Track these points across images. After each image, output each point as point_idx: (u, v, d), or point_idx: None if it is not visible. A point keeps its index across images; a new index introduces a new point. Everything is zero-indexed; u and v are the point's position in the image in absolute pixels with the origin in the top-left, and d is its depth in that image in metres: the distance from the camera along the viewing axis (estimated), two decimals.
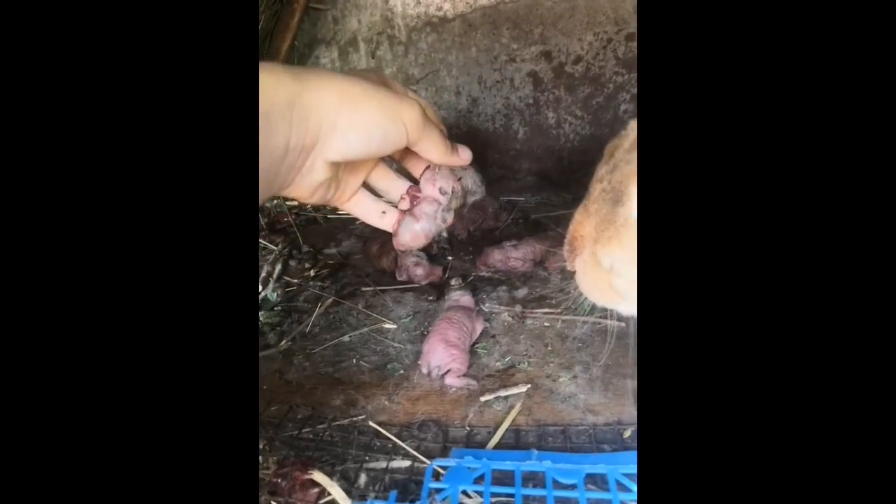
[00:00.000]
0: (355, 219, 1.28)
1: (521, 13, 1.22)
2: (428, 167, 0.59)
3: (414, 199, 0.59)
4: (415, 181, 0.61)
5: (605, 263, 0.57)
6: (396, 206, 0.60)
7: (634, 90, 1.26)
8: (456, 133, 1.36)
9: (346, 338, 0.86)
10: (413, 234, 0.60)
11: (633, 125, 0.63)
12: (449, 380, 0.73)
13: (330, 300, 0.96)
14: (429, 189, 0.60)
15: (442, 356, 0.74)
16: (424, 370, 0.75)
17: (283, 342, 0.86)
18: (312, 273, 1.08)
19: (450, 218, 0.64)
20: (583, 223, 0.60)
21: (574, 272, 0.62)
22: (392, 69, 1.30)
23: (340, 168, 0.54)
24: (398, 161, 0.61)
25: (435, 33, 1.26)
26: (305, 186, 0.50)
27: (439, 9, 1.23)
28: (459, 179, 0.64)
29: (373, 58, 1.30)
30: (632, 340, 0.72)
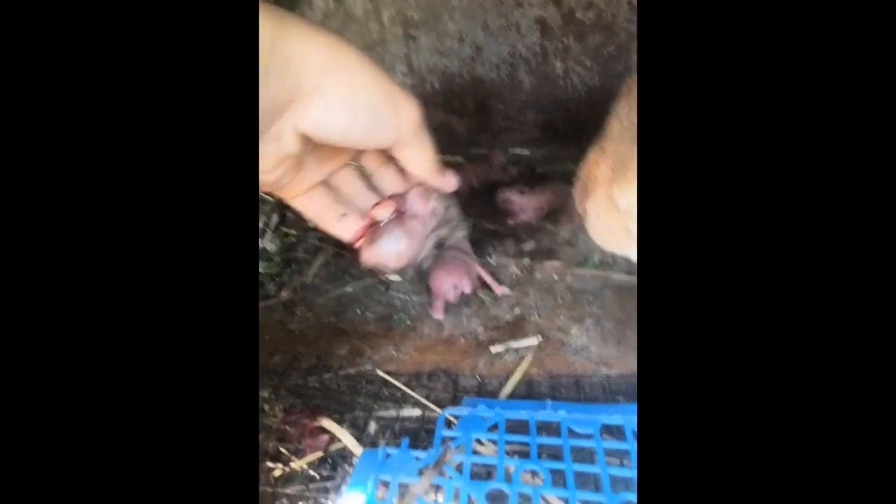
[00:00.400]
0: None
1: None
2: (418, 184, 0.53)
3: (399, 213, 0.52)
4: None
5: (622, 205, 0.54)
6: (368, 216, 0.52)
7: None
8: (459, 82, 1.30)
9: (348, 288, 0.83)
10: (398, 250, 0.52)
11: None
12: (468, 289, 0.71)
13: (331, 251, 0.93)
14: (419, 206, 0.54)
15: (451, 277, 0.71)
16: (439, 302, 0.72)
17: (284, 292, 0.83)
18: (311, 224, 1.04)
19: (427, 248, 0.58)
20: (598, 164, 0.57)
21: (584, 215, 0.60)
22: (390, 12, 1.24)
23: (308, 150, 0.46)
24: (368, 176, 0.54)
25: None
26: (266, 157, 0.42)
27: None
28: (447, 208, 0.59)
29: (370, 1, 1.23)
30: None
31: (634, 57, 1.23)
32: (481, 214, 1.05)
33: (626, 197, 0.54)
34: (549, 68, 1.26)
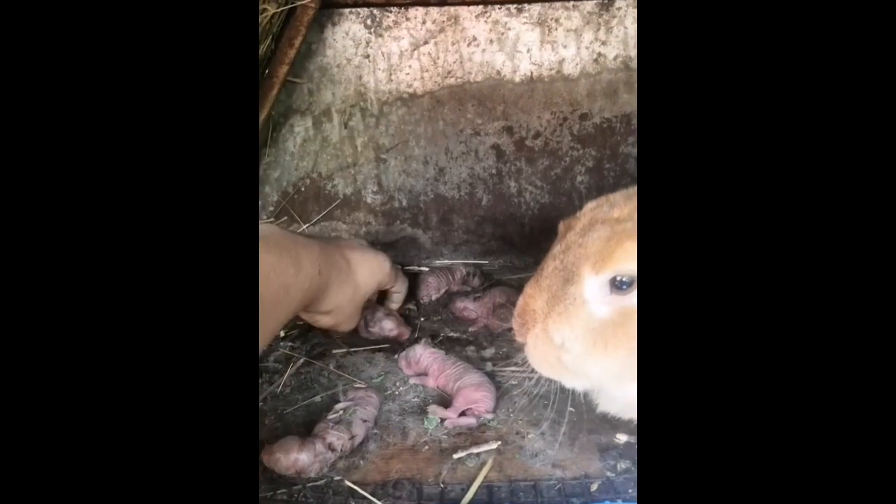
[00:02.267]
0: None
1: (484, 92, 1.33)
2: None
3: None
4: None
5: (557, 339, 0.62)
6: None
7: (589, 163, 1.37)
8: (423, 199, 1.42)
9: (317, 398, 0.87)
10: None
11: (587, 206, 0.70)
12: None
13: (301, 360, 0.97)
14: None
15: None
16: (483, 412, 0.78)
17: None
18: (282, 333, 1.08)
19: None
20: (534, 297, 0.65)
21: (524, 344, 0.67)
22: (363, 138, 1.38)
23: None
24: None
25: (405, 107, 1.35)
26: None
27: (409, 86, 1.33)
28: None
29: (345, 127, 1.38)
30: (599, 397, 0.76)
31: (578, 178, 1.38)
32: (444, 322, 1.12)
33: (559, 333, 0.62)
34: (504, 188, 1.40)
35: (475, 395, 0.77)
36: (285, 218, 1.44)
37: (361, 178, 1.42)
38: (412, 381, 0.88)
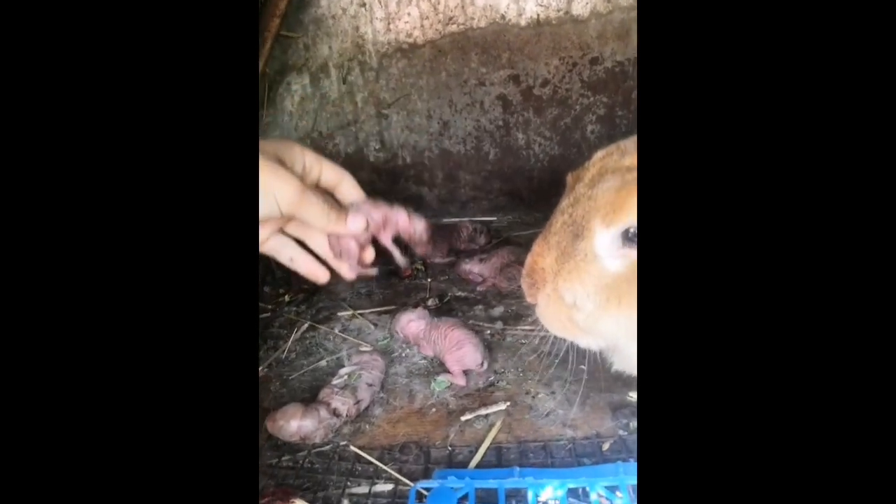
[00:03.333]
0: None
1: (488, 39, 1.25)
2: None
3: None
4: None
5: (568, 298, 0.58)
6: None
7: (600, 111, 1.30)
8: (428, 155, 1.38)
9: (322, 363, 0.85)
10: None
11: (597, 156, 0.65)
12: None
13: (306, 325, 0.95)
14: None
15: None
16: (474, 366, 0.77)
17: (260, 369, 0.85)
18: (287, 298, 1.07)
19: None
20: (543, 255, 0.61)
21: (535, 304, 0.63)
22: (363, 94, 1.32)
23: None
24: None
25: (405, 59, 1.28)
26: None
27: (409, 35, 1.26)
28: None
29: (344, 83, 1.32)
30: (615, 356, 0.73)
31: (589, 127, 1.32)
32: (452, 282, 1.09)
33: (571, 291, 0.58)
34: (511, 140, 1.34)
35: (458, 354, 0.75)
36: None
37: (363, 135, 1.37)
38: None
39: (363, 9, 1.25)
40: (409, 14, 1.25)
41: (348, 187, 0.59)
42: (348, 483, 0.61)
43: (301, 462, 0.64)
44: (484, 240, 1.23)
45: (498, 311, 0.97)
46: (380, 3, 1.24)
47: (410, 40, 1.27)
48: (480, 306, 0.98)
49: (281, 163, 0.55)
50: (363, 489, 0.60)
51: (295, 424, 0.65)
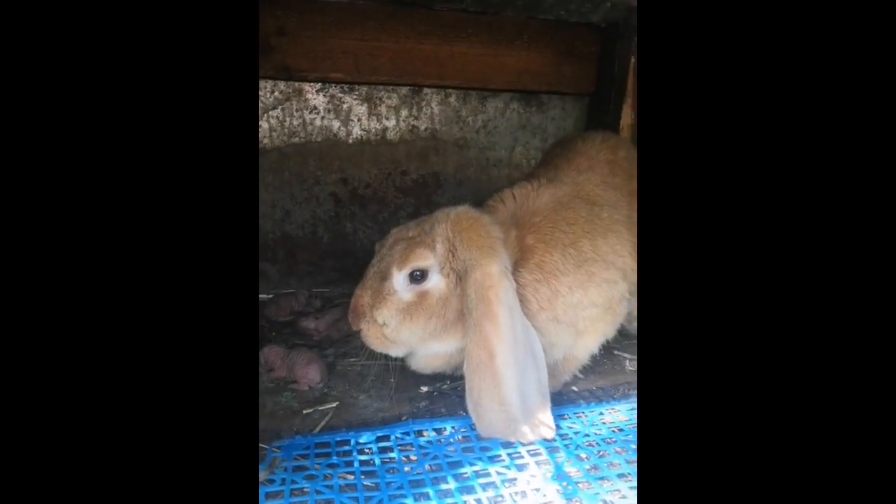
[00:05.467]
0: None
1: (324, 150, 1.63)
2: None
3: None
4: None
5: (380, 320, 0.93)
6: None
7: (409, 209, 1.73)
8: (272, 237, 1.66)
9: None
10: None
11: (392, 231, 1.03)
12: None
13: None
14: None
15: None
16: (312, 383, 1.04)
17: None
18: None
19: None
20: (362, 296, 0.96)
21: (359, 331, 0.96)
22: None
23: None
24: None
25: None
26: None
27: (260, 142, 1.59)
28: None
29: None
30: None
31: (401, 221, 1.73)
32: (293, 335, 1.36)
33: (381, 315, 0.92)
34: (341, 228, 1.70)
35: (307, 369, 1.04)
36: None
37: None
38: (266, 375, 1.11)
39: None
40: (260, 126, 1.58)
41: None
42: None
43: None
44: (319, 304, 1.53)
45: (330, 351, 1.26)
46: None
47: (261, 146, 1.59)
48: (317, 349, 1.26)
49: None
50: None
51: None
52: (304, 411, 0.97)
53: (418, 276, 0.92)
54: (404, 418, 0.95)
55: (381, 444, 0.84)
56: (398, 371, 1.08)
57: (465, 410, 0.97)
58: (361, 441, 0.84)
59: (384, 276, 0.94)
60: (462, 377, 1.06)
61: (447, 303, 0.92)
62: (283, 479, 0.73)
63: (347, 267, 1.73)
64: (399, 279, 0.93)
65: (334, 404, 1.00)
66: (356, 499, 0.70)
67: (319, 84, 1.59)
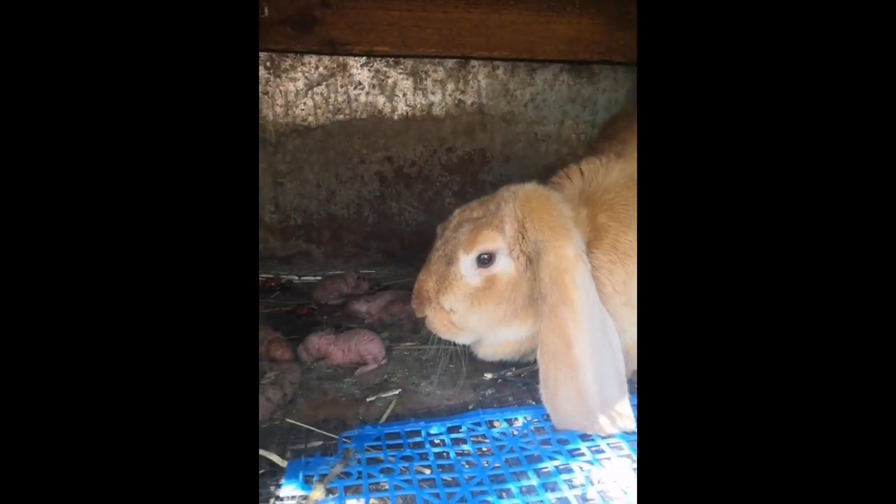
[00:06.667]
0: None
1: (369, 127, 1.58)
2: None
3: None
4: None
5: (447, 306, 0.88)
6: None
7: (455, 188, 1.68)
8: (317, 218, 1.63)
9: None
10: None
11: (455, 212, 0.98)
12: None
13: None
14: None
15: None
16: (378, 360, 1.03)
17: None
18: None
19: None
20: (426, 280, 0.91)
21: (423, 317, 0.92)
22: (263, 164, 1.55)
23: None
24: None
25: (300, 138, 1.55)
26: None
27: (304, 120, 1.54)
28: None
29: None
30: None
31: (447, 199, 1.68)
32: (344, 318, 1.33)
33: (448, 301, 0.88)
34: (386, 208, 1.66)
35: (369, 346, 1.01)
36: None
37: (260, 199, 1.58)
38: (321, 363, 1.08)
39: (266, 96, 1.51)
40: (304, 103, 1.54)
41: None
42: (288, 442, 0.81)
43: None
44: (366, 286, 1.49)
45: (384, 335, 1.22)
46: (280, 92, 1.51)
47: (305, 123, 1.55)
48: (369, 330, 1.23)
49: None
50: (300, 445, 0.80)
51: None
52: (368, 399, 0.94)
53: (486, 260, 0.88)
54: (471, 407, 0.92)
55: (454, 436, 0.81)
56: (460, 358, 1.04)
57: (534, 399, 0.93)
58: (432, 432, 0.81)
59: (450, 260, 0.90)
60: (527, 363, 1.03)
61: (517, 287, 0.88)
62: (360, 473, 0.70)
63: (392, 248, 1.69)
64: (466, 263, 0.88)
65: (397, 392, 0.97)
66: (437, 495, 0.67)
67: (364, 58, 1.53)
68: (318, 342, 1.07)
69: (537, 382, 0.97)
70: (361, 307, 1.33)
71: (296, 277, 1.58)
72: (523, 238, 0.87)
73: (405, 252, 1.70)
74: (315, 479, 0.69)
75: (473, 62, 1.59)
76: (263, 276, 1.54)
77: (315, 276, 1.58)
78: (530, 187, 0.92)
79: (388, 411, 0.90)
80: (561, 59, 1.58)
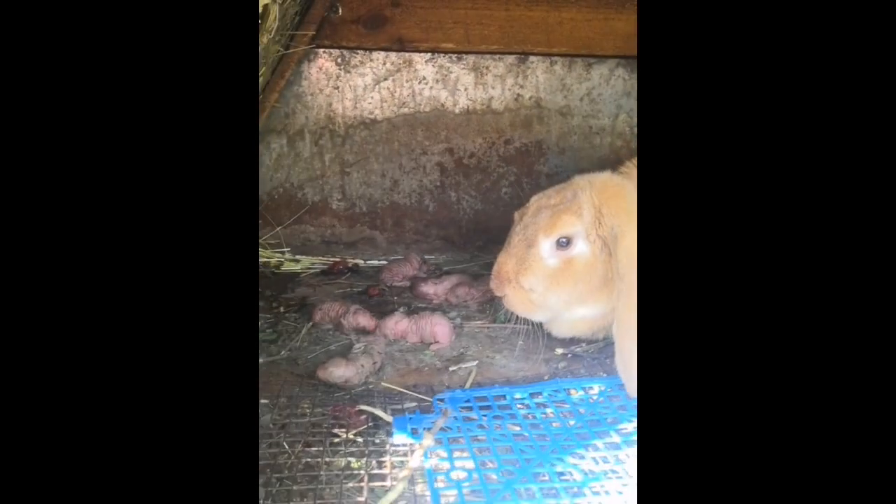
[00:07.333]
0: (300, 272, 1.57)
1: (431, 120, 1.67)
2: None
3: None
4: None
5: (526, 286, 0.96)
6: None
7: (511, 178, 1.75)
8: (381, 206, 1.72)
9: (332, 347, 1.13)
10: None
11: (533, 199, 1.05)
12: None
13: (310, 324, 1.22)
14: None
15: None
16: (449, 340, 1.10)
17: (283, 352, 1.10)
18: (282, 309, 1.32)
19: None
20: (506, 262, 0.99)
21: (501, 297, 1.00)
22: (331, 154, 1.65)
23: None
24: None
25: (367, 130, 1.65)
26: None
27: (371, 113, 1.64)
28: None
29: (316, 146, 1.64)
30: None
31: (504, 189, 1.76)
32: (412, 299, 1.42)
33: (527, 281, 0.96)
34: (446, 197, 1.74)
35: (435, 330, 1.10)
36: (260, 222, 1.66)
37: (328, 188, 1.68)
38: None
39: (336, 91, 1.61)
40: (372, 97, 1.63)
41: None
42: (385, 403, 0.90)
43: (349, 393, 0.92)
44: (428, 270, 1.58)
45: (453, 314, 1.31)
46: (350, 87, 1.61)
47: (372, 116, 1.64)
48: (439, 312, 1.32)
49: None
50: (397, 406, 0.89)
51: (341, 371, 0.93)
52: (450, 368, 1.02)
53: (564, 243, 0.95)
54: (546, 378, 1.00)
55: (536, 401, 0.89)
56: (531, 334, 1.12)
57: (605, 371, 1.01)
58: (517, 396, 0.89)
59: (530, 244, 0.97)
60: (595, 340, 1.10)
61: (593, 268, 0.95)
62: (459, 428, 0.79)
63: (451, 236, 1.78)
64: (546, 246, 0.96)
65: (475, 363, 1.05)
66: (531, 446, 0.75)
67: (429, 55, 1.61)
68: (396, 326, 1.16)
69: (606, 357, 1.05)
70: (429, 289, 1.42)
71: (361, 261, 1.68)
72: (600, 223, 0.94)
73: (462, 239, 1.78)
74: (421, 430, 0.78)
75: (532, 58, 1.66)
76: (332, 259, 1.64)
77: (379, 260, 1.68)
78: (605, 176, 0.99)
79: (471, 378, 0.98)
80: (618, 54, 1.64)
